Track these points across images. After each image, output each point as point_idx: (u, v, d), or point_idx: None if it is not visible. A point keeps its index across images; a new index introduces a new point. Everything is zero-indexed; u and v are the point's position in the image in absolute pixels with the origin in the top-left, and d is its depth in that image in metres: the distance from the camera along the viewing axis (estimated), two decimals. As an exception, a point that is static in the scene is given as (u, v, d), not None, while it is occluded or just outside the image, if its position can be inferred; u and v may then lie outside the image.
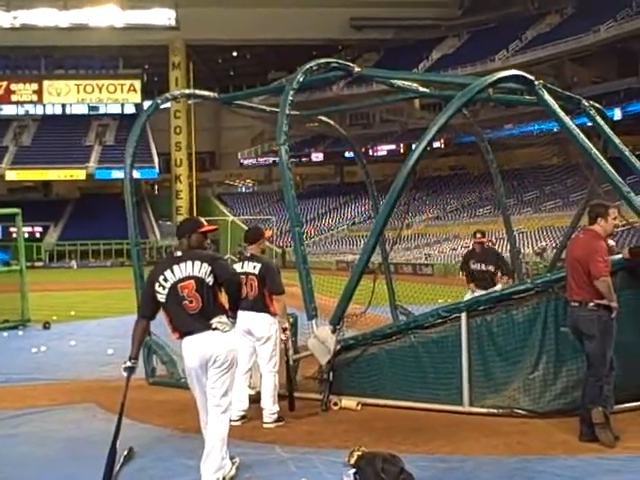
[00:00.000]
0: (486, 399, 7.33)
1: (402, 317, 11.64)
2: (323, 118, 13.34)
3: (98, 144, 73.30)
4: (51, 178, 71.05)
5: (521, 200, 49.64)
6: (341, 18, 69.28)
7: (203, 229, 5.53)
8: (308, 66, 8.78)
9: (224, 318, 5.27)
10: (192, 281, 5.27)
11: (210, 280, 5.25)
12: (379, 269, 12.44)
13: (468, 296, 10.43)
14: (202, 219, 5.72)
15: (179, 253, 5.47)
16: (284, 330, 7.27)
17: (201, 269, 5.27)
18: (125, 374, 5.40)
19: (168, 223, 70.03)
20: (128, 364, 5.38)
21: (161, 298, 5.36)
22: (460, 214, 56.50)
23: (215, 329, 5.21)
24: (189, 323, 5.28)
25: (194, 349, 5.27)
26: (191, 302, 5.25)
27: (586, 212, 7.10)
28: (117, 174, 62.25)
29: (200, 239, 5.48)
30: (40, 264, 60.84)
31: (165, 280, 5.33)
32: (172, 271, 5.34)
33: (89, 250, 66.28)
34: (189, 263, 5.31)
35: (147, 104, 11.69)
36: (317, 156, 70.74)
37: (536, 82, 8.27)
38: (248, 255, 7.61)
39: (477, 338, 7.42)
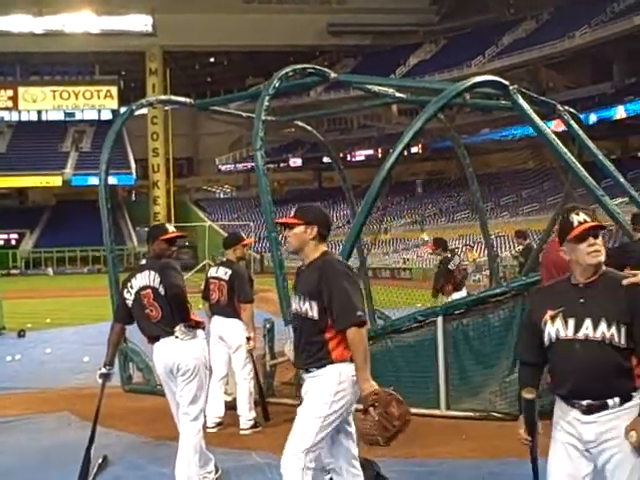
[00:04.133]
0: (463, 402, 7.35)
1: (380, 321, 11.64)
2: (300, 123, 13.34)
3: (74, 150, 72.68)
4: (26, 185, 70.28)
5: (498, 204, 49.96)
6: (319, 24, 69.37)
7: (165, 236, 5.43)
8: (284, 72, 8.75)
9: (184, 326, 5.21)
10: (149, 290, 5.25)
11: (162, 289, 5.21)
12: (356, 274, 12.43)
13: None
14: (168, 225, 5.63)
15: (144, 261, 5.46)
16: (248, 339, 7.10)
17: (155, 279, 5.24)
18: (100, 381, 5.35)
19: (146, 229, 69.57)
20: (103, 370, 5.34)
21: (129, 304, 5.35)
22: (438, 219, 56.71)
23: (177, 337, 5.17)
24: (154, 329, 5.27)
25: (159, 356, 5.26)
26: (151, 311, 5.24)
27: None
28: (94, 180, 61.55)
29: (163, 246, 5.39)
30: (16, 271, 60.26)
31: (131, 287, 5.34)
32: (135, 279, 5.33)
33: (65, 257, 65.70)
34: (146, 273, 5.28)
35: (124, 110, 11.61)
36: (295, 161, 70.66)
37: (511, 87, 8.31)
38: (224, 260, 7.60)
39: (453, 342, 7.44)
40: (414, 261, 46.07)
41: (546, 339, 3.37)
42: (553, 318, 3.35)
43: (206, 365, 5.37)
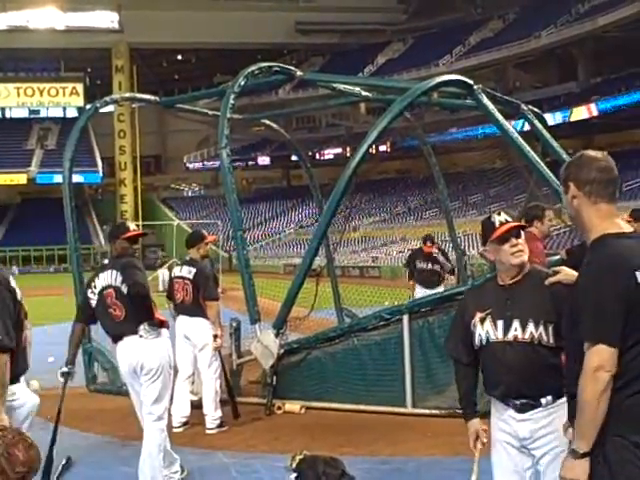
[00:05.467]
0: (428, 400, 7.39)
1: (347, 319, 11.66)
2: (266, 122, 13.31)
3: (40, 148, 71.73)
4: (-10, 183, 69.33)
5: (466, 202, 50.27)
6: (287, 22, 69.28)
7: (127, 235, 5.40)
8: (250, 70, 8.75)
9: (147, 325, 5.18)
10: (112, 290, 5.25)
11: (124, 288, 5.19)
12: (322, 271, 12.45)
13: (420, 295, 10.80)
14: (130, 224, 5.62)
15: (106, 261, 5.43)
16: (215, 337, 7.05)
17: (117, 278, 5.22)
18: (61, 380, 5.31)
19: (113, 228, 68.83)
20: (64, 369, 5.32)
21: (93, 304, 5.32)
22: (407, 217, 56.94)
23: (141, 336, 5.15)
24: (117, 328, 5.27)
25: (123, 355, 5.24)
26: (115, 310, 5.23)
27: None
28: (60, 178, 60.48)
29: (124, 245, 5.37)
30: (-20, 271, 59.33)
31: (95, 287, 5.33)
32: (98, 279, 5.33)
33: (31, 256, 64.90)
34: (108, 272, 5.27)
35: (89, 107, 11.51)
36: (263, 160, 70.63)
37: (475, 86, 8.38)
38: (187, 259, 7.54)
39: (419, 340, 7.48)
40: (383, 259, 46.24)
41: (477, 341, 3.35)
42: (482, 320, 3.33)
43: (170, 364, 5.35)
